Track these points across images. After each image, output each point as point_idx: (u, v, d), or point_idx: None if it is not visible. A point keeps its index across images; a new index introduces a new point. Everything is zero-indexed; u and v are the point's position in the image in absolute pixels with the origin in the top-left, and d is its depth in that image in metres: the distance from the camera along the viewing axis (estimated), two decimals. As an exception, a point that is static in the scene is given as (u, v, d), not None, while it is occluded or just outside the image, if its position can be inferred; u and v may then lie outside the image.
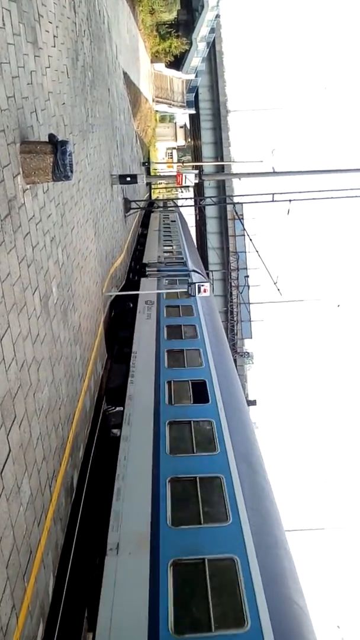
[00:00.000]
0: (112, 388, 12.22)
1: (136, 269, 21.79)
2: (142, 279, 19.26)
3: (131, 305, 16.61)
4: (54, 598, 6.65)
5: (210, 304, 18.10)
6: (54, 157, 6.52)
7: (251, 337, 48.98)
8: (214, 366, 12.37)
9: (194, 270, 20.93)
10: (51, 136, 6.70)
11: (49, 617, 6.39)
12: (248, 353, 50.40)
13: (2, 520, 5.10)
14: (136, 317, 15.25)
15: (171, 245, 27.16)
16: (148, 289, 17.45)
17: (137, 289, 17.58)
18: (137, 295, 16.85)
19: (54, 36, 9.09)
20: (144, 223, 34.96)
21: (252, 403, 43.56)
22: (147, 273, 20.36)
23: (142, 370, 11.99)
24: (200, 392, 11.12)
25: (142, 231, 32.19)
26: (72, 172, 6.76)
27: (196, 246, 38.92)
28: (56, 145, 6.54)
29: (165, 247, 26.49)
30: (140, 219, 33.64)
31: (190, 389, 11.13)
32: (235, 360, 25.35)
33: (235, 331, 46.90)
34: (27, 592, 5.66)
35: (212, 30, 50.28)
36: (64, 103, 9.67)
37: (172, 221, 35.73)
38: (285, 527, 8.98)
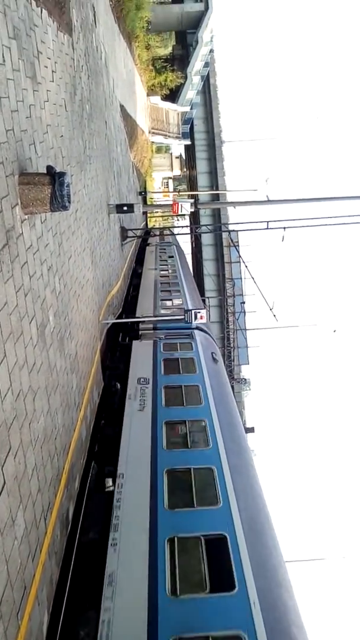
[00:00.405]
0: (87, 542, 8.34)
1: (127, 327, 17.05)
2: (135, 342, 15.02)
3: (118, 386, 12.94)
4: (48, 636, 6.45)
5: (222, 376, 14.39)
6: (52, 188, 6.61)
7: (248, 363, 48.86)
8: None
9: (198, 328, 16.34)
10: (49, 168, 6.81)
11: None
12: (245, 379, 50.18)
13: (-4, 555, 4.98)
14: (125, 405, 11.28)
15: (169, 291, 22.33)
16: (141, 357, 13.86)
17: (128, 355, 14.24)
18: (128, 363, 13.59)
19: (53, 71, 9.32)
20: (139, 258, 31.38)
21: (250, 430, 43.16)
22: (140, 332, 16.39)
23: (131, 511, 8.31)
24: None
25: (137, 269, 28.40)
26: (69, 202, 6.85)
27: (193, 275, 36.76)
28: (54, 177, 6.64)
29: (163, 295, 21.73)
30: (137, 248, 32.48)
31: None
32: (232, 387, 24.19)
33: (232, 357, 46.82)
34: (20, 630, 5.49)
35: (206, 65, 51.72)
36: (62, 135, 9.85)
37: (169, 257, 31.58)
38: (285, 558, 8.80)
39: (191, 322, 15.29)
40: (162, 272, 26.43)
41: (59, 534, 7.52)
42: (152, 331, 16.46)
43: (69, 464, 8.48)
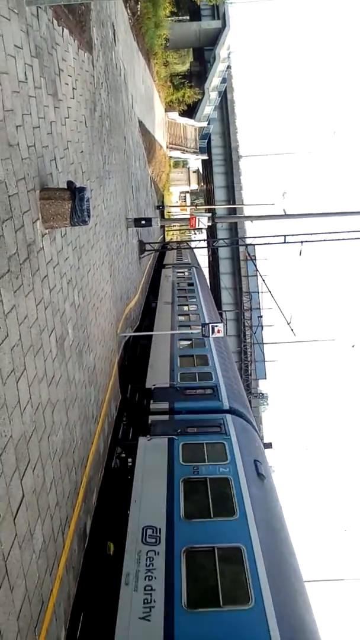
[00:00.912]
0: None
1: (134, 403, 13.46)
2: (140, 439, 10.42)
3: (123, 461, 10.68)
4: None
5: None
6: (72, 203, 6.69)
7: (265, 378, 48.52)
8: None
9: (231, 410, 11.96)
10: (69, 183, 6.90)
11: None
12: (262, 394, 49.80)
13: (15, 569, 4.97)
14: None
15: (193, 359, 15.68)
16: (150, 456, 9.85)
17: (131, 452, 10.60)
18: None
19: (73, 88, 9.49)
20: (153, 284, 27.72)
21: (267, 446, 42.66)
22: (150, 420, 11.62)
23: None
24: None
25: (151, 300, 24.32)
26: (89, 217, 6.92)
27: (212, 295, 32.72)
28: (74, 192, 6.72)
29: (183, 360, 15.51)
30: (154, 262, 32.28)
31: None
32: (250, 401, 22.92)
33: (250, 372, 46.53)
34: (37, 646, 5.45)
35: (224, 80, 52.25)
36: (82, 151, 9.99)
37: (189, 284, 26.82)
38: (305, 578, 8.60)
39: (208, 336, 14.69)
40: (180, 314, 21.14)
41: (77, 548, 7.47)
42: (167, 412, 12.06)
43: (86, 477, 8.46)
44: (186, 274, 29.99)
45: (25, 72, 6.37)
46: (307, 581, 9.19)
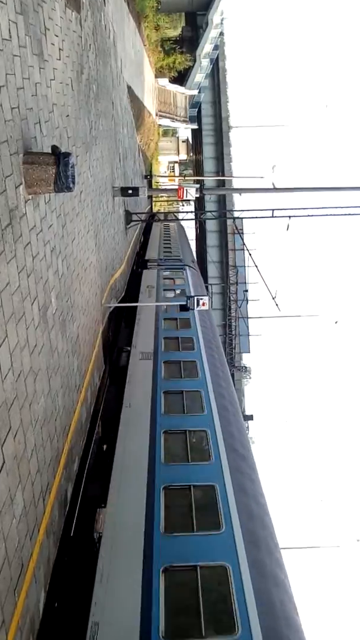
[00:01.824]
0: None
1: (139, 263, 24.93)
2: (145, 271, 22.22)
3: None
4: (44, 614, 6.53)
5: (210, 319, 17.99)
6: (56, 168, 6.54)
7: (249, 352, 48.94)
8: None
9: (187, 265, 24.32)
10: (54, 148, 6.74)
11: (39, 634, 6.27)
12: (246, 367, 50.31)
13: (-6, 533, 5.03)
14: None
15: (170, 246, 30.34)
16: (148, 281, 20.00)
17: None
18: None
19: (60, 49, 9.18)
20: (146, 231, 36.83)
21: (248, 418, 43.38)
22: (148, 266, 23.48)
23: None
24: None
25: (145, 237, 34.49)
26: (74, 183, 6.78)
27: (196, 259, 38.84)
28: (59, 157, 6.57)
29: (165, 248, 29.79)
30: (141, 231, 33.88)
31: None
32: (232, 375, 25.18)
33: (234, 345, 46.86)
34: (17, 607, 5.56)
35: (216, 47, 51.02)
36: (67, 115, 9.73)
37: (172, 229, 38.37)
38: (281, 546, 8.85)
39: (193, 309, 15.29)
40: (164, 237, 33.89)
41: (57, 514, 7.58)
42: (156, 265, 23.19)
43: (68, 445, 8.53)
44: (170, 225, 39.33)
45: (9, 30, 6.13)
46: (283, 548, 9.46)
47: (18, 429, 5.94)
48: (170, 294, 19.45)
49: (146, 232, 36.36)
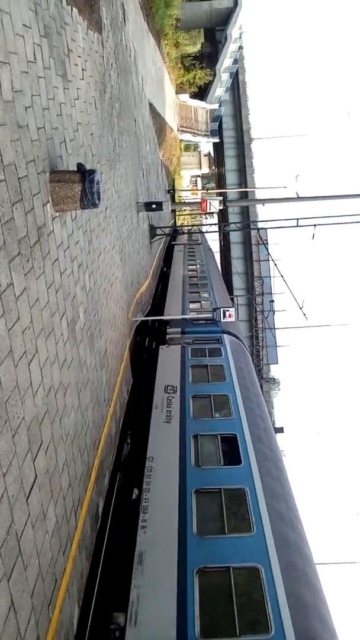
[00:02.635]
0: None
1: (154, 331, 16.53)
2: (162, 350, 14.15)
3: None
4: (78, 629, 6.50)
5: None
6: (82, 185, 6.65)
7: (277, 363, 48.47)
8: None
9: (227, 332, 15.60)
10: (79, 165, 6.85)
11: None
12: (274, 379, 49.83)
13: (28, 548, 5.04)
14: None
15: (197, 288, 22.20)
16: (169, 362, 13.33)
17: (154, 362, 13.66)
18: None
19: (83, 69, 9.38)
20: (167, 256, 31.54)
21: (279, 430, 42.80)
22: (168, 337, 15.45)
23: None
24: None
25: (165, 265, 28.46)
26: (99, 200, 6.87)
27: (221, 273, 36.48)
28: (84, 174, 6.68)
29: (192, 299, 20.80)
30: (165, 246, 32.62)
31: None
32: (261, 386, 23.46)
33: (261, 357, 46.48)
34: (52, 622, 5.55)
35: (235, 62, 51.37)
36: (92, 133, 9.91)
37: (197, 257, 31.42)
38: (317, 561, 8.63)
39: (219, 320, 15.18)
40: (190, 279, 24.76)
41: (89, 529, 7.57)
42: (179, 335, 15.61)
43: (98, 459, 8.54)
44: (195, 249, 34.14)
45: (34, 52, 6.30)
46: (318, 564, 9.23)
47: (49, 443, 5.98)
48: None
49: (167, 256, 31.12)
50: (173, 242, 31.45)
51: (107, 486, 9.14)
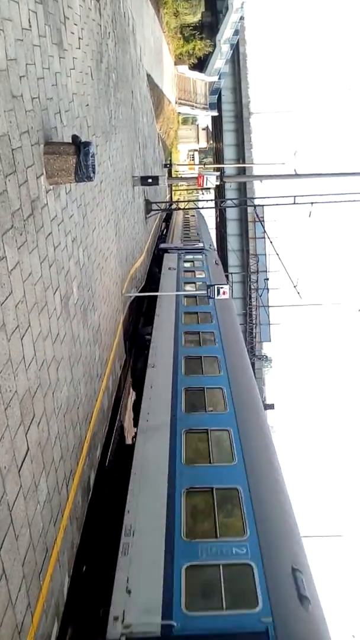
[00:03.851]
0: None
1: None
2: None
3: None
4: (68, 597, 6.67)
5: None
6: (76, 158, 6.55)
7: (270, 340, 48.68)
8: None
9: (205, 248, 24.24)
10: (74, 137, 6.74)
11: (64, 617, 6.41)
12: (266, 356, 50.11)
13: (19, 519, 5.13)
14: None
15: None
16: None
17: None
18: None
19: (79, 38, 9.15)
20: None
21: (269, 407, 43.25)
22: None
23: None
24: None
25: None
26: (94, 173, 6.79)
27: (216, 247, 39.76)
28: (79, 147, 6.58)
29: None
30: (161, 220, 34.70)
31: None
32: (253, 364, 24.65)
33: (254, 334, 46.64)
34: (42, 590, 5.68)
35: (236, 33, 50.18)
36: (87, 104, 9.72)
37: (191, 215, 39.75)
38: (303, 533, 8.86)
39: (214, 297, 15.34)
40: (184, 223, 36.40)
41: (80, 500, 7.70)
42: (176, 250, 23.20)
43: (90, 432, 8.64)
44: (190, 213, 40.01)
45: (29, 19, 6.13)
46: (305, 536, 9.48)
47: (42, 416, 6.03)
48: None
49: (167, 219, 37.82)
50: (163, 246, 25.08)
51: (99, 457, 9.27)
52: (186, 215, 40.81)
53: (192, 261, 21.65)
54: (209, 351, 13.09)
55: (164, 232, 35.35)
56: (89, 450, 8.47)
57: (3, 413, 4.87)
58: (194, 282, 18.69)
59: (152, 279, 20.13)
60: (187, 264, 21.19)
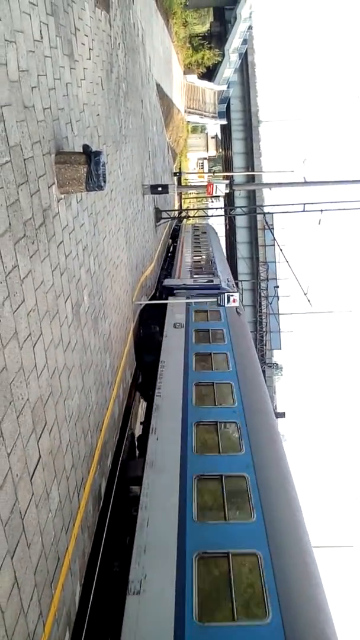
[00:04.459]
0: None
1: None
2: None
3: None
4: (80, 606, 6.64)
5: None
6: (87, 167, 6.61)
7: (280, 348, 48.47)
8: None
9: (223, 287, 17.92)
10: (85, 147, 6.80)
11: (75, 626, 6.37)
12: (277, 364, 49.87)
13: (31, 527, 5.13)
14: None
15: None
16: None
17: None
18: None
19: (90, 49, 9.26)
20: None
21: (280, 415, 43.01)
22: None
23: None
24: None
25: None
26: (105, 182, 6.84)
27: (225, 256, 35.93)
28: (90, 156, 6.63)
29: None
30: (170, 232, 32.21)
31: None
32: (263, 371, 22.95)
33: (264, 342, 46.48)
34: (54, 599, 5.66)
35: (245, 42, 50.49)
36: (98, 114, 9.82)
37: (202, 232, 34.16)
38: (313, 544, 8.75)
39: (224, 306, 15.28)
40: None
41: (92, 508, 7.68)
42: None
43: (101, 440, 8.63)
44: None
45: (40, 31, 6.22)
46: (316, 547, 9.36)
47: (53, 424, 6.04)
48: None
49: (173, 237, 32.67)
50: (167, 283, 19.25)
51: (110, 465, 9.26)
52: (196, 232, 35.06)
53: (206, 313, 15.68)
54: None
55: (170, 249, 29.60)
56: (100, 459, 8.46)
57: (15, 421, 4.88)
58: (210, 357, 12.91)
59: (149, 339, 14.85)
60: (199, 322, 15.23)
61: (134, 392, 12.56)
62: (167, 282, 19.29)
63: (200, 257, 25.88)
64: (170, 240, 31.68)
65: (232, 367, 12.37)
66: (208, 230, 35.56)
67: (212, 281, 19.37)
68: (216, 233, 37.82)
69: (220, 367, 12.41)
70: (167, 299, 16.91)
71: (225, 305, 14.99)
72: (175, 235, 33.64)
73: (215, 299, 14.25)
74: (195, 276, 20.91)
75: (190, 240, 30.54)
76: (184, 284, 18.78)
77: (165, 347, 13.41)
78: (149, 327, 15.23)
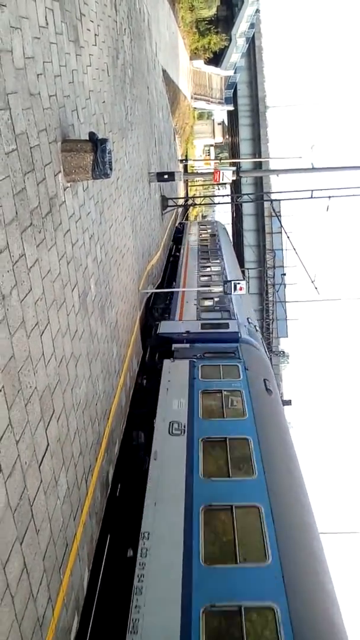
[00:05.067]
0: None
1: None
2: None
3: None
4: (88, 591, 6.73)
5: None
6: (94, 155, 6.57)
7: (287, 336, 48.42)
8: None
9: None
10: (91, 134, 6.76)
11: (84, 610, 6.47)
12: (283, 352, 49.84)
13: (40, 513, 5.19)
14: None
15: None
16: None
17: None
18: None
19: (95, 35, 9.16)
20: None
21: (287, 403, 43.06)
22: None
23: None
24: None
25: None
26: (111, 170, 6.80)
27: (232, 244, 32.08)
28: (96, 144, 6.59)
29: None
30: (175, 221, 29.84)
31: None
32: (270, 359, 20.90)
33: (271, 330, 46.43)
34: (62, 584, 5.75)
35: (252, 26, 49.72)
36: (104, 101, 9.74)
37: (211, 235, 28.43)
38: (321, 531, 8.82)
39: (230, 293, 14.70)
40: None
41: (100, 495, 7.76)
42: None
43: (109, 428, 8.69)
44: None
45: (45, 17, 6.15)
46: (322, 533, 9.43)
47: (61, 412, 6.09)
48: None
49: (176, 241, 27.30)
50: (163, 332, 14.20)
51: (118, 453, 9.33)
52: (203, 236, 29.11)
53: (220, 393, 10.76)
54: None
55: (172, 257, 24.01)
56: (108, 446, 8.52)
57: (23, 409, 4.92)
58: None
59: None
60: (212, 420, 10.13)
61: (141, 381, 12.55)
62: (165, 327, 14.31)
63: (209, 280, 20.07)
64: (173, 243, 26.99)
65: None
66: (218, 231, 30.22)
67: (226, 325, 14.39)
68: (227, 233, 32.98)
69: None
70: (162, 355, 12.81)
71: (232, 293, 14.87)
72: (178, 237, 28.64)
73: (229, 358, 11.50)
74: (203, 316, 15.83)
75: (196, 251, 24.85)
76: (186, 330, 13.94)
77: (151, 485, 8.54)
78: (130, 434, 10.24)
